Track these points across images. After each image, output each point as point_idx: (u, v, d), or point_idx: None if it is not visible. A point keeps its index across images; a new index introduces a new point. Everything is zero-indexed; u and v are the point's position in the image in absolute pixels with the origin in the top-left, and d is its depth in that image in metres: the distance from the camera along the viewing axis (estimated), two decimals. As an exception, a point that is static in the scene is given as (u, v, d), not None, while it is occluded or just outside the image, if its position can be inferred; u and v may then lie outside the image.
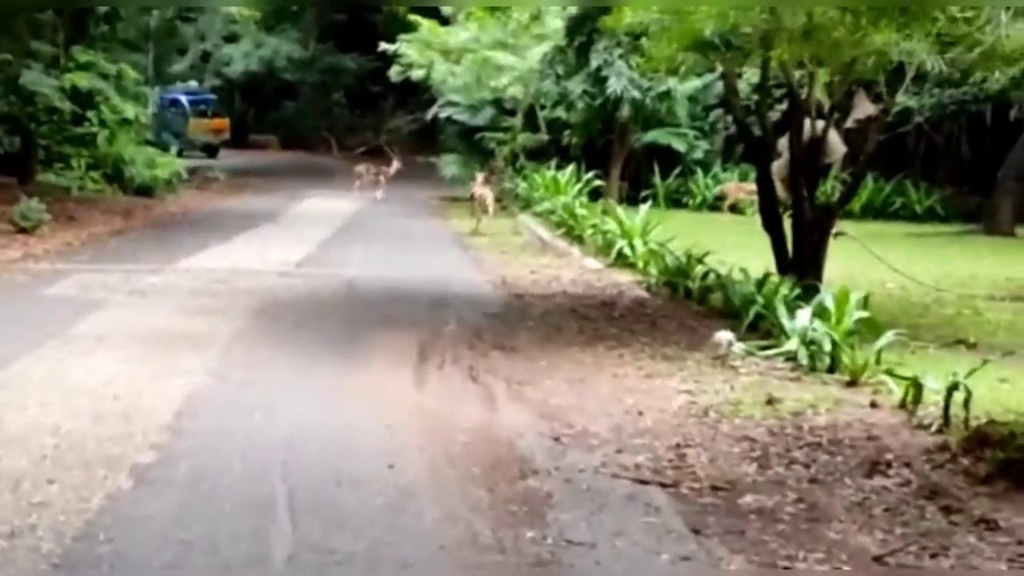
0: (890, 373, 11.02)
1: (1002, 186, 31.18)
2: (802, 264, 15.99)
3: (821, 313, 12.63)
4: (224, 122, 54.38)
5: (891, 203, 35.02)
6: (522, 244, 25.07)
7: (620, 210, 22.44)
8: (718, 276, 16.34)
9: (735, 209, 33.10)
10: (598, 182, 30.51)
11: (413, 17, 34.26)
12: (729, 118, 37.65)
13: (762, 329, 14.06)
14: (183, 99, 53.07)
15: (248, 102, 65.15)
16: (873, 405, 10.67)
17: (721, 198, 34.83)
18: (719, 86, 36.78)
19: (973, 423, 9.57)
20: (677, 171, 36.33)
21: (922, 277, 19.88)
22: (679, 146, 35.41)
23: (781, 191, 16.82)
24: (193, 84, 56.64)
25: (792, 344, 12.70)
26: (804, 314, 12.45)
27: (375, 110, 63.48)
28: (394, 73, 35.92)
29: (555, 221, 26.87)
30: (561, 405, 10.76)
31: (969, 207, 36.10)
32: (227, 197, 35.87)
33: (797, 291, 14.39)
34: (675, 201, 35.25)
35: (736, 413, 10.46)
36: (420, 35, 34.29)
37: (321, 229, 26.56)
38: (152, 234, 24.97)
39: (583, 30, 23.94)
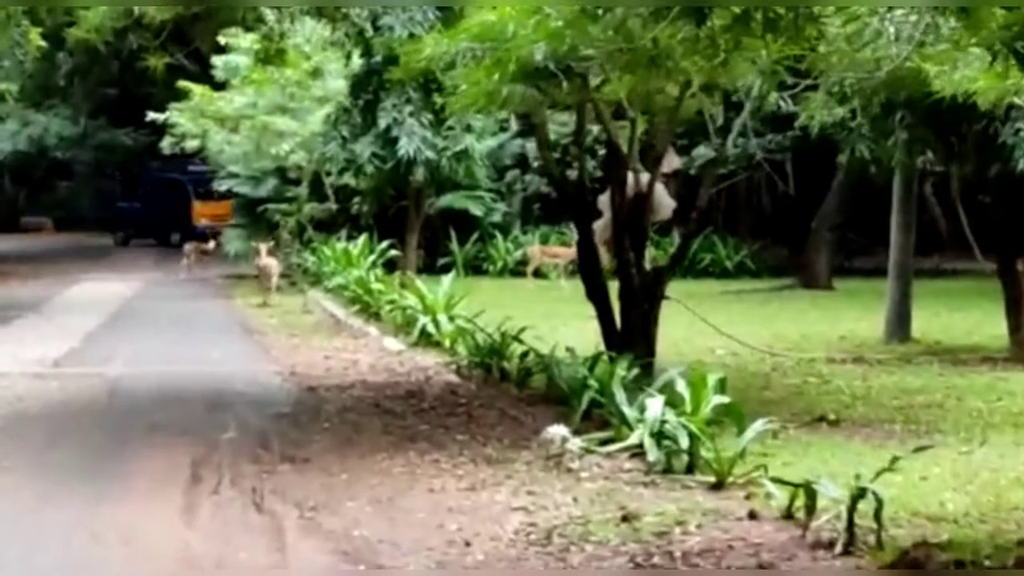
0: (773, 478, 8.99)
1: (816, 238, 29.98)
2: (632, 336, 14.10)
3: (671, 399, 10.67)
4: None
5: (700, 260, 33.56)
6: (314, 324, 22.82)
7: (419, 282, 20.33)
8: (539, 356, 14.31)
9: (539, 274, 31.36)
10: (393, 252, 28.41)
11: (183, 84, 31.73)
12: (527, 178, 36.27)
13: (597, 417, 12.07)
14: None
15: (18, 184, 61.64)
16: (752, 516, 8.69)
17: (524, 263, 33.08)
18: (514, 145, 35.52)
19: (887, 538, 7.66)
20: (475, 236, 34.57)
21: (751, 340, 18.33)
22: (476, 210, 33.67)
23: (604, 255, 14.94)
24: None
25: (636, 437, 10.73)
26: (655, 403, 10.45)
27: (154, 186, 60.61)
28: (167, 144, 33.30)
29: (349, 297, 24.68)
30: (367, 537, 8.57)
31: (779, 260, 35.09)
32: (-13, 286, 32.80)
33: (635, 371, 12.45)
34: (475, 268, 33.46)
35: (586, 537, 8.37)
36: (192, 103, 31.79)
37: (90, 318, 23.88)
38: None
39: (368, 87, 21.82)
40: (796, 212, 34.48)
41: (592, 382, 12.12)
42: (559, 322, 20.88)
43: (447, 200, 32.28)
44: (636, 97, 13.64)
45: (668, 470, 10.08)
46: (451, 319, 18.63)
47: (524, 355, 14.79)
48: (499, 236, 34.87)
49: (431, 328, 18.57)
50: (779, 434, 11.38)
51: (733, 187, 37.17)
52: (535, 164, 35.71)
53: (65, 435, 12.34)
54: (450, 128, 21.85)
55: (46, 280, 34.13)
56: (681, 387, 10.79)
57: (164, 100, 33.01)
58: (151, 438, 12.18)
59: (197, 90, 31.40)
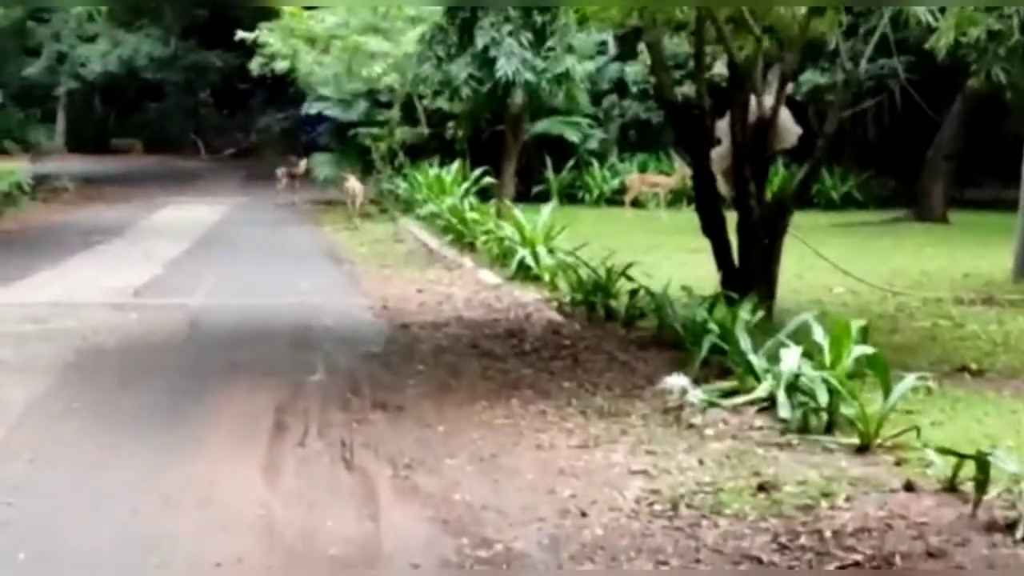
0: (940, 448, 7.81)
1: (931, 168, 28.47)
2: (751, 274, 13.00)
3: (807, 349, 9.55)
4: None
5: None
6: (405, 254, 21.84)
7: (518, 212, 19.22)
8: (650, 294, 13.19)
9: (636, 204, 30.19)
10: (487, 179, 27.34)
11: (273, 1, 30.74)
12: (625, 103, 34.96)
13: (715, 365, 10.98)
14: None
15: (108, 105, 61.20)
16: (909, 488, 7.58)
17: (621, 192, 31.91)
18: (612, 69, 34.22)
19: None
20: (571, 163, 33.39)
21: (868, 277, 17.16)
22: (572, 136, 32.46)
23: (723, 186, 13.77)
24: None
25: (764, 389, 9.65)
26: (791, 354, 9.32)
27: (244, 109, 60.02)
28: (255, 65, 32.29)
29: (441, 226, 23.67)
30: (470, 503, 7.58)
31: (885, 191, 33.60)
32: (76, 209, 32.12)
33: (760, 314, 11.34)
34: (570, 196, 32.27)
35: (719, 509, 7.33)
36: (283, 22, 30.76)
37: (174, 244, 23.10)
38: (-28, 258, 21.34)
39: (466, 4, 20.72)
40: (904, 141, 32.93)
41: (712, 326, 11.00)
42: (661, 255, 19.82)
43: (543, 126, 31.09)
44: (760, 11, 12.51)
45: (804, 429, 8.98)
46: (551, 251, 17.59)
47: (633, 293, 13.65)
48: (595, 163, 33.68)
49: (530, 261, 17.51)
50: (919, 387, 10.23)
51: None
52: (634, 89, 34.49)
53: (140, 374, 11.42)
54: (550, 49, 20.61)
55: (133, 203, 33.46)
56: (819, 335, 9.64)
57: (254, 21, 32.02)
58: (232, 379, 11.26)
59: (287, 8, 30.37)
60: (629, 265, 14.67)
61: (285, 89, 44.52)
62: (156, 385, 10.96)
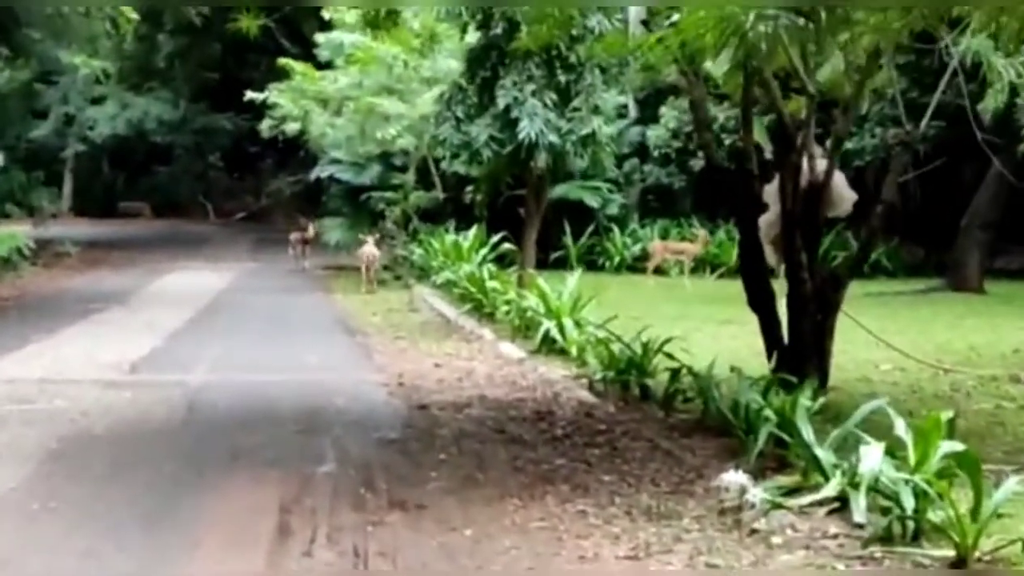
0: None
1: (967, 236, 27.31)
2: (802, 352, 11.86)
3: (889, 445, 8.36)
4: None
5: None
6: (421, 324, 20.71)
7: (542, 281, 18.08)
8: (692, 374, 12.00)
9: (659, 271, 29.13)
10: (506, 246, 26.28)
11: (284, 62, 29.82)
12: (646, 168, 33.95)
13: (768, 453, 9.80)
14: None
15: (117, 168, 60.42)
16: (1029, 620, 6.40)
17: (643, 259, 30.88)
18: (633, 132, 33.25)
19: None
20: (590, 229, 32.36)
21: (911, 350, 16.00)
22: (592, 201, 31.53)
23: (771, 255, 12.65)
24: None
25: (833, 487, 8.47)
26: (873, 453, 8.11)
27: (254, 172, 59.26)
28: (266, 127, 31.43)
29: (459, 294, 22.57)
30: (508, 635, 6.41)
31: (914, 259, 32.54)
32: (78, 275, 31.13)
33: (820, 400, 10.17)
34: (589, 263, 31.15)
35: (805, 644, 6.15)
36: (294, 83, 29.85)
37: (177, 313, 21.98)
38: (-36, 327, 20.22)
39: (486, 63, 19.67)
40: (934, 207, 31.89)
41: (769, 413, 9.81)
42: (691, 326, 18.69)
43: (561, 190, 30.08)
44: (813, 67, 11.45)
45: (886, 538, 7.79)
46: (577, 324, 16.47)
47: (675, 373, 12.43)
48: (615, 229, 32.66)
49: (556, 334, 16.37)
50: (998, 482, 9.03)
51: (860, 179, 34.54)
52: (655, 153, 33.53)
53: (130, 464, 10.22)
54: (575, 109, 19.54)
55: (139, 269, 32.55)
56: (900, 427, 8.45)
57: (265, 83, 31.14)
58: (233, 470, 10.08)
59: (299, 68, 29.48)
60: (666, 341, 13.51)
61: (296, 152, 43.76)
62: (147, 477, 9.76)
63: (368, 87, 28.27)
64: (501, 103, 19.43)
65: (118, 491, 9.33)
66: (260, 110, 31.96)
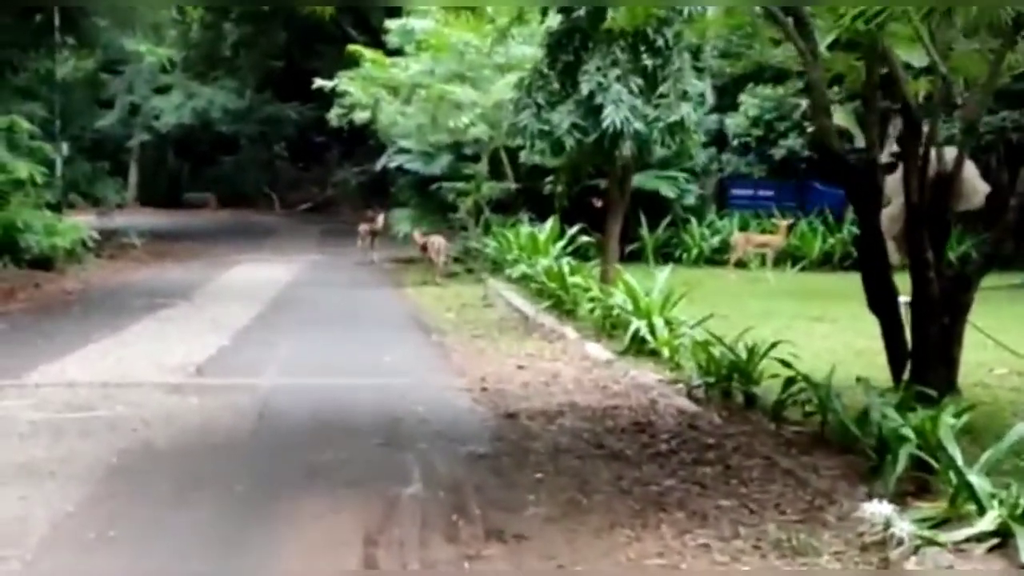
0: None
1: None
2: (927, 359, 10.74)
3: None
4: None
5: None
6: (498, 320, 19.73)
7: (630, 278, 17.03)
8: (813, 385, 10.90)
9: (739, 264, 28.02)
10: (584, 238, 25.27)
11: (353, 48, 28.91)
12: (724, 157, 32.81)
13: (904, 476, 8.72)
14: None
15: (182, 158, 59.93)
16: None
17: (721, 251, 29.83)
18: (710, 121, 32.09)
19: None
20: (666, 221, 31.26)
21: (1020, 350, 14.82)
22: (668, 192, 30.38)
23: (893, 253, 11.57)
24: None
25: (991, 520, 7.42)
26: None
27: (320, 162, 58.64)
28: (334, 116, 30.50)
29: (536, 289, 21.58)
30: None
31: (1003, 250, 31.11)
32: (143, 267, 30.45)
33: (965, 418, 9.09)
34: (665, 256, 30.07)
35: None
36: (363, 71, 28.92)
37: (245, 309, 21.13)
38: (26, 323, 19.43)
39: (569, 47, 18.64)
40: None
41: (908, 432, 8.74)
42: (780, 323, 17.67)
43: (637, 180, 28.86)
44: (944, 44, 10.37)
45: (1062, 581, 6.76)
46: (668, 323, 15.45)
47: (790, 382, 11.34)
48: (693, 221, 31.54)
49: (646, 334, 15.35)
50: None
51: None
52: (734, 142, 32.40)
53: (196, 484, 9.28)
54: (662, 96, 18.45)
55: (204, 261, 31.86)
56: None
57: (331, 72, 30.25)
58: (309, 491, 9.11)
59: (369, 55, 28.55)
60: (774, 345, 12.47)
61: (362, 142, 43.01)
62: (214, 500, 8.82)
63: (439, 74, 27.32)
64: (584, 89, 18.37)
65: (183, 517, 8.40)
66: (327, 99, 31.11)
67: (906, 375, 10.30)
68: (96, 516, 8.36)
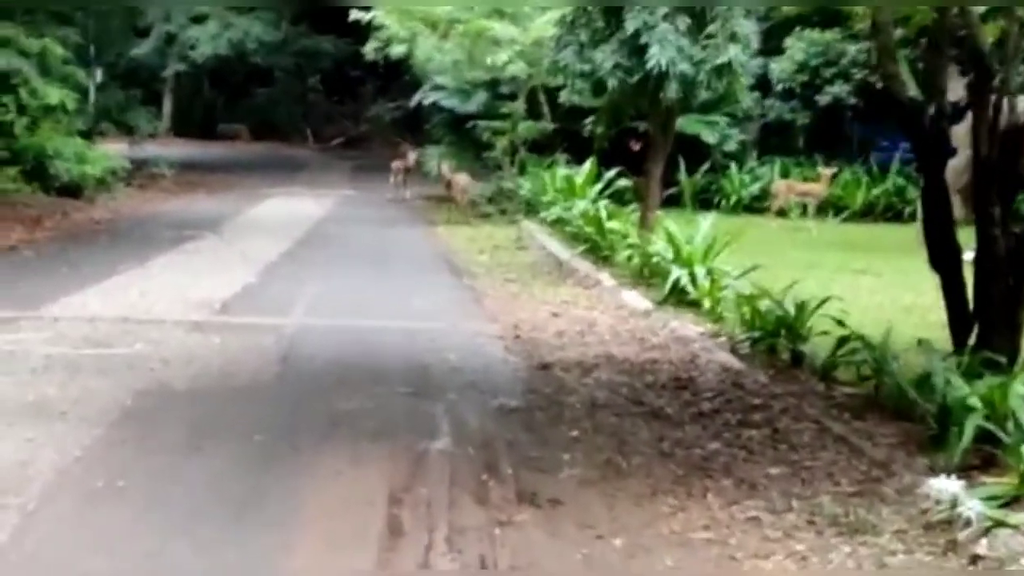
0: None
1: None
2: (991, 322, 10.11)
3: None
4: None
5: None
6: (531, 264, 19.16)
7: (672, 225, 16.40)
8: (868, 346, 10.29)
9: (780, 213, 27.30)
10: (622, 182, 24.60)
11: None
12: (768, 102, 31.98)
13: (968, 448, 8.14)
14: None
15: (217, 89, 59.35)
16: None
17: (761, 198, 29.11)
18: (753, 66, 31.23)
19: None
20: (706, 166, 30.49)
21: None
22: (709, 137, 29.54)
23: (958, 208, 10.94)
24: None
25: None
26: None
27: (354, 97, 57.94)
28: (370, 49, 29.80)
29: (571, 233, 20.97)
30: None
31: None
32: (173, 198, 29.95)
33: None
34: (703, 202, 29.30)
35: None
36: (401, 3, 28.22)
37: (273, 243, 20.63)
38: (51, 252, 18.94)
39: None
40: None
41: (975, 402, 8.15)
42: (824, 276, 17.12)
43: (678, 124, 28.21)
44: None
45: None
46: (709, 273, 14.85)
47: (843, 341, 10.76)
48: (733, 167, 30.77)
49: (687, 284, 14.75)
50: None
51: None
52: (779, 87, 31.53)
53: (213, 431, 8.76)
54: (709, 36, 17.71)
55: (235, 193, 31.36)
56: None
57: (368, 5, 29.53)
58: (332, 442, 8.60)
59: (407, -12, 27.87)
60: (824, 300, 11.89)
61: (398, 77, 42.34)
62: (232, 451, 8.29)
63: (478, 9, 26.62)
64: (629, 27, 17.61)
65: (197, 468, 7.90)
66: (363, 33, 30.40)
67: (972, 339, 9.64)
68: (106, 463, 7.88)
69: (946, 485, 7.19)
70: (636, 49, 17.77)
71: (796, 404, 9.93)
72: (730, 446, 8.75)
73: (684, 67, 17.68)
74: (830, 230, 25.98)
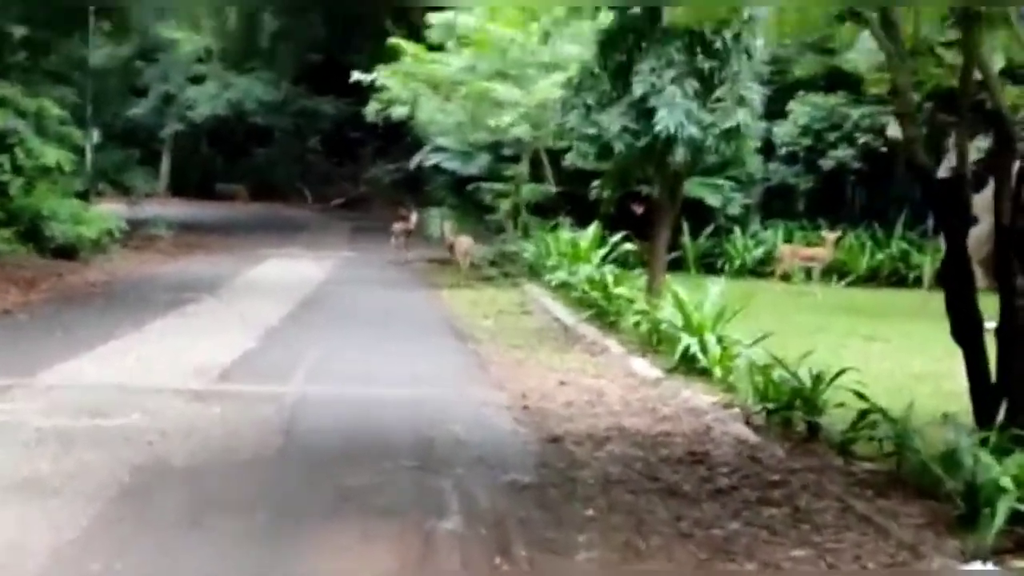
0: None
1: None
2: (1015, 393, 9.82)
3: None
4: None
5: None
6: (537, 330, 18.85)
7: (681, 291, 16.11)
8: (890, 420, 9.99)
9: (784, 277, 27.06)
10: (627, 246, 24.38)
11: (395, 42, 28.08)
12: (771, 166, 31.82)
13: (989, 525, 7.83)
14: None
15: (215, 148, 59.27)
16: None
17: (765, 262, 28.93)
18: (758, 128, 31.09)
19: None
20: (709, 230, 30.31)
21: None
22: (713, 200, 29.43)
23: (980, 278, 10.67)
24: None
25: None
26: None
27: (354, 158, 57.89)
28: (372, 111, 29.70)
29: (576, 298, 20.71)
30: None
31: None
32: (170, 259, 29.66)
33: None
34: (707, 266, 29.17)
35: None
36: (403, 65, 28.10)
37: (273, 307, 20.33)
38: (46, 315, 18.63)
39: (621, 46, 17.76)
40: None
41: (1007, 482, 7.84)
42: (833, 341, 16.89)
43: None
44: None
45: None
46: (720, 341, 14.56)
47: (864, 415, 10.45)
48: (736, 231, 30.60)
49: (697, 351, 14.46)
50: None
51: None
52: (782, 151, 31.40)
53: (215, 507, 8.41)
54: (718, 100, 17.53)
55: (234, 254, 31.10)
56: None
57: (369, 66, 29.44)
58: (339, 521, 8.24)
59: (409, 49, 27.72)
60: (841, 372, 11.59)
61: (398, 139, 42.26)
62: (234, 529, 7.95)
63: (481, 71, 26.52)
64: (637, 90, 17.43)
65: (198, 548, 7.55)
66: (363, 93, 30.31)
67: (1000, 414, 9.34)
68: (102, 544, 7.54)
69: (981, 570, 6.87)
70: (644, 112, 17.60)
71: (816, 480, 9.61)
72: (750, 525, 8.42)
73: (692, 131, 17.49)
74: (835, 295, 25.74)
